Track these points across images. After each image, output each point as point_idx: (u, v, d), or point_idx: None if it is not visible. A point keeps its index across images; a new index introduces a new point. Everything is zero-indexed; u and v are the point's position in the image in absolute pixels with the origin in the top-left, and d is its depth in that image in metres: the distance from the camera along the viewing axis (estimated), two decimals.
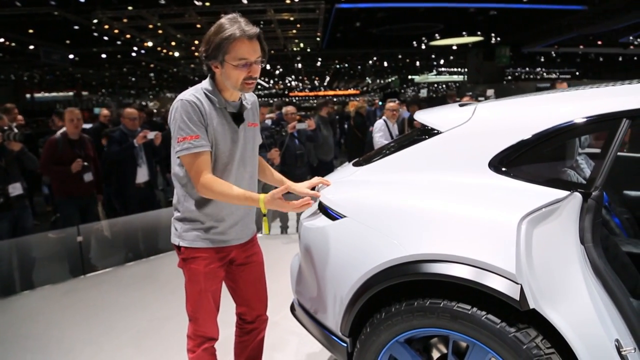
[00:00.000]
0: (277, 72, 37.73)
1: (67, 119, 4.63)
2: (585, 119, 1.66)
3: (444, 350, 1.87)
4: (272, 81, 46.63)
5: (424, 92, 41.89)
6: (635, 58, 28.44)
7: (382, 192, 1.94)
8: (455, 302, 1.57)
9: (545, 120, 1.71)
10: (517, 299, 1.42)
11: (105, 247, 5.10)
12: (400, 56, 31.70)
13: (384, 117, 6.20)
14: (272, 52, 27.33)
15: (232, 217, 1.96)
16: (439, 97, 23.04)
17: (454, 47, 27.33)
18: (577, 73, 35.09)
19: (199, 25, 19.52)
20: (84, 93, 36.00)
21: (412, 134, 2.27)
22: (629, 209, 2.67)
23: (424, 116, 2.17)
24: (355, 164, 2.30)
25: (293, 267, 2.35)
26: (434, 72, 39.85)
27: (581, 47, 25.30)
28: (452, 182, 1.80)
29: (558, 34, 23.23)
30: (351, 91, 51.61)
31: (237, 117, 1.95)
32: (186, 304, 2.00)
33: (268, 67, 33.77)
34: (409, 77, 42.53)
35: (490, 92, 4.72)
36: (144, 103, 15.66)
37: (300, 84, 48.98)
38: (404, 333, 1.71)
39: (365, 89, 52.12)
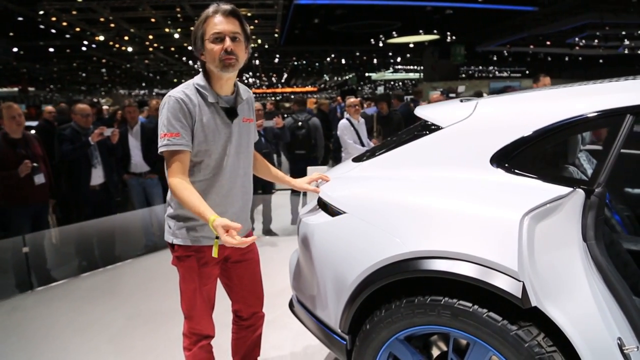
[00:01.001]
0: None
1: (6, 116, 4.15)
2: (588, 115, 1.66)
3: (444, 348, 1.87)
4: None
5: (380, 89, 42.13)
6: (580, 58, 29.58)
7: (383, 188, 1.95)
8: (456, 299, 1.58)
9: (547, 116, 1.72)
10: (519, 296, 1.43)
11: (57, 258, 4.79)
12: (358, 53, 31.85)
13: (347, 116, 5.90)
14: None
15: (226, 215, 1.90)
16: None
17: (411, 45, 27.65)
18: (527, 72, 36.24)
19: (153, 20, 18.78)
20: (31, 89, 34.07)
21: (413, 129, 2.25)
22: (630, 207, 2.67)
23: (425, 112, 2.16)
24: (355, 160, 2.30)
25: (292, 264, 2.36)
26: (391, 69, 40.16)
27: (531, 46, 26.13)
28: (454, 178, 1.81)
29: (510, 34, 23.94)
30: (309, 88, 51.35)
31: (230, 111, 1.94)
32: (181, 302, 2.01)
33: None
34: (366, 74, 42.69)
35: (461, 88, 4.62)
36: (95, 100, 14.83)
37: (258, 81, 48.40)
38: (404, 330, 1.72)
39: (323, 86, 51.98)
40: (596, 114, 1.65)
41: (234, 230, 1.62)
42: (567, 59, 31.18)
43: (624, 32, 22.53)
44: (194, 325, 2.01)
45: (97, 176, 4.64)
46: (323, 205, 2.10)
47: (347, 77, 44.34)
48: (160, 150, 1.83)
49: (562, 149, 2.05)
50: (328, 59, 33.13)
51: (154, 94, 43.94)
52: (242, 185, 2.00)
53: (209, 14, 1.83)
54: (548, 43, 25.34)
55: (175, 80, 44.74)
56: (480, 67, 37.46)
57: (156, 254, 5.07)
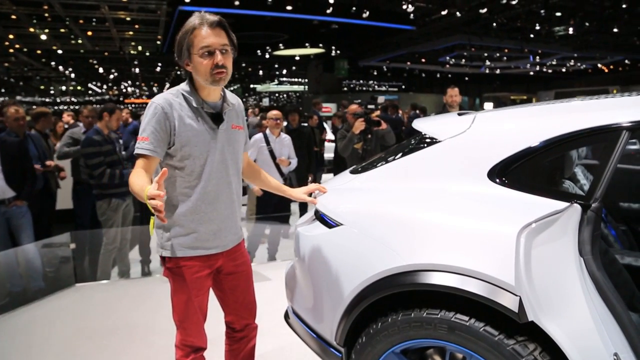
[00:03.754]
0: (112, 76, 34.33)
1: None
2: (585, 131, 1.66)
3: None
4: (105, 86, 42.47)
5: (265, 102, 42.01)
6: (449, 75, 32.00)
7: (380, 201, 1.95)
8: (453, 313, 1.57)
9: (544, 131, 1.72)
10: (516, 311, 1.42)
11: None
12: (243, 64, 31.21)
13: (266, 131, 4.94)
14: (106, 54, 24.70)
15: (214, 222, 1.93)
16: (282, 106, 23.14)
17: (297, 58, 27.75)
18: (403, 87, 38.39)
19: (14, 17, 16.56)
20: None
21: (410, 142, 2.25)
22: (625, 221, 2.68)
23: (422, 125, 2.16)
24: (352, 172, 2.30)
25: (288, 275, 2.33)
26: (276, 81, 40.16)
27: (408, 63, 27.62)
28: (451, 191, 1.81)
29: (390, 50, 25.02)
30: None
31: (216, 117, 1.92)
32: (172, 313, 1.98)
33: (101, 70, 30.59)
34: (252, 85, 42.25)
35: (381, 98, 4.44)
36: None
37: (138, 90, 45.43)
38: (400, 344, 1.70)
39: None
40: (593, 129, 1.65)
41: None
42: (438, 75, 33.58)
43: (486, 54, 24.75)
44: (186, 337, 1.98)
45: None
46: (320, 217, 2.09)
47: (232, 88, 43.55)
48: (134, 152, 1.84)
49: (559, 163, 2.03)
50: None
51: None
52: (230, 192, 1.97)
53: (195, 26, 1.81)
54: (423, 60, 26.99)
55: (42, 87, 40.46)
56: (362, 81, 38.91)
57: (27, 308, 3.90)
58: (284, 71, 34.64)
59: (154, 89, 45.05)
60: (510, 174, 1.73)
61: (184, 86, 1.90)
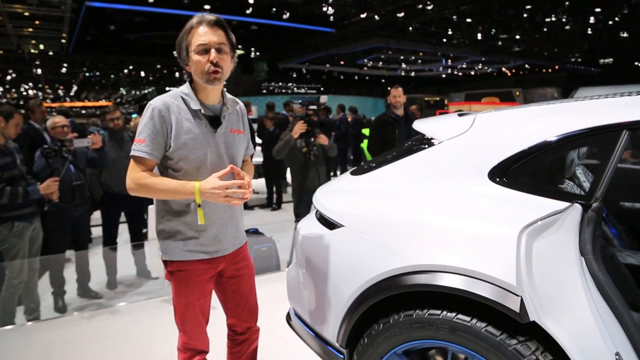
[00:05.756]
0: (9, 77, 31.15)
1: None
2: (585, 131, 1.66)
3: None
4: (1, 88, 38.58)
5: None
6: (367, 77, 32.63)
7: (381, 202, 1.94)
8: (455, 313, 1.56)
9: (545, 131, 1.72)
10: (518, 311, 1.41)
11: None
12: (159, 66, 29.73)
13: None
14: (1, 52, 22.32)
15: (214, 227, 1.92)
16: None
17: None
18: (322, 89, 38.63)
19: None
20: None
21: (411, 143, 2.23)
22: (626, 220, 2.67)
23: (423, 125, 2.15)
24: (353, 173, 2.29)
25: (289, 276, 2.33)
26: None
27: (327, 65, 27.80)
28: (452, 192, 1.81)
29: (309, 52, 25.00)
30: (103, 102, 46.53)
31: (214, 120, 1.91)
32: (174, 316, 1.97)
33: None
34: (167, 88, 40.46)
35: (323, 98, 4.14)
36: None
37: (40, 93, 41.73)
38: (402, 345, 1.69)
39: (119, 100, 47.60)
40: (594, 129, 1.64)
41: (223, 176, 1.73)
42: (356, 77, 34.12)
43: (402, 57, 25.46)
44: (188, 340, 1.98)
45: None
46: (321, 218, 2.08)
47: (146, 91, 41.35)
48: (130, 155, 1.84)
49: (560, 163, 2.02)
50: (125, 70, 30.26)
51: None
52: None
53: (193, 25, 1.83)
54: (342, 63, 27.25)
55: None
56: (281, 84, 38.63)
57: None
58: None
59: (59, 91, 41.71)
60: (511, 174, 1.73)
61: (183, 88, 1.90)
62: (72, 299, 4.17)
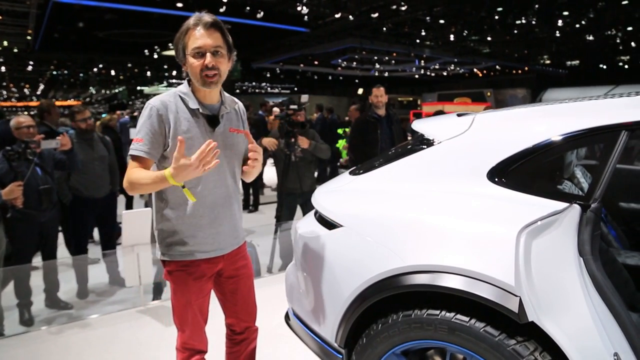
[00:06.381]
0: None
1: None
2: (584, 131, 1.66)
3: None
4: None
5: None
6: (341, 77, 32.61)
7: (379, 202, 1.93)
8: (453, 313, 1.55)
9: (544, 132, 1.72)
10: (516, 311, 1.40)
11: None
12: (129, 65, 29.00)
13: None
14: None
15: (212, 226, 1.91)
16: None
17: None
18: (296, 89, 38.49)
19: None
20: None
21: (409, 143, 2.23)
22: (625, 221, 2.68)
23: (422, 126, 2.14)
24: (351, 173, 2.28)
25: (288, 276, 2.32)
26: (165, 83, 38.06)
27: (301, 65, 27.69)
28: (451, 192, 1.80)
29: (283, 52, 24.85)
30: (72, 102, 45.18)
31: (212, 120, 1.89)
32: (173, 315, 1.97)
33: None
34: (138, 87, 39.54)
35: (304, 97, 3.98)
36: None
37: (5, 92, 40.20)
38: (400, 345, 1.68)
39: (88, 99, 46.26)
40: (593, 130, 1.64)
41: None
42: (330, 78, 34.06)
43: (376, 57, 25.52)
44: (187, 340, 1.97)
45: None
46: (320, 218, 2.08)
47: (117, 91, 40.26)
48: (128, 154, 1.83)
49: (559, 164, 2.02)
50: (95, 69, 29.37)
51: None
52: (228, 196, 1.95)
53: (190, 26, 1.81)
54: (316, 63, 27.13)
55: None
56: (254, 83, 38.24)
57: None
58: (174, 72, 32.78)
59: (25, 90, 40.27)
60: (510, 175, 1.72)
61: (181, 88, 1.89)
62: (39, 310, 3.89)
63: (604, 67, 26.51)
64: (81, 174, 4.19)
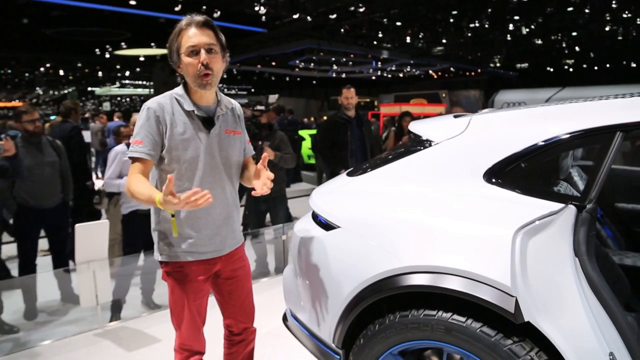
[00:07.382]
0: None
1: None
2: (580, 132, 1.67)
3: None
4: None
5: (106, 106, 38.36)
6: (298, 79, 32.50)
7: (376, 203, 1.93)
8: (450, 314, 1.55)
9: (540, 133, 1.72)
10: (512, 311, 1.41)
11: None
12: (79, 64, 27.77)
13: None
14: None
15: (209, 227, 1.90)
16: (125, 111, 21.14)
17: (141, 59, 25.58)
18: (253, 90, 38.14)
19: None
20: None
21: (406, 144, 2.24)
22: (621, 222, 2.69)
23: (418, 127, 2.14)
24: (349, 174, 2.27)
25: (285, 277, 2.30)
26: (118, 84, 36.74)
27: (259, 66, 27.41)
28: (447, 193, 1.79)
29: (240, 53, 24.47)
30: (16, 103, 42.85)
31: (208, 121, 1.89)
32: (171, 316, 1.96)
33: None
34: (89, 88, 37.99)
35: (272, 97, 3.80)
36: None
37: None
38: (397, 345, 1.69)
39: (35, 101, 44.04)
40: (588, 131, 1.65)
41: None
42: (287, 79, 33.86)
43: (333, 58, 25.53)
44: (184, 341, 1.96)
45: None
46: (317, 219, 2.07)
47: (66, 92, 38.57)
48: (127, 156, 1.82)
49: (554, 165, 2.03)
50: (42, 69, 27.96)
51: None
52: (224, 197, 1.94)
53: (182, 27, 1.82)
54: (273, 64, 26.86)
55: None
56: None
57: None
58: (127, 73, 31.65)
59: None
60: (506, 176, 1.73)
61: (177, 90, 1.89)
62: (17, 318, 3.54)
63: (551, 69, 27.57)
64: (27, 181, 3.74)
